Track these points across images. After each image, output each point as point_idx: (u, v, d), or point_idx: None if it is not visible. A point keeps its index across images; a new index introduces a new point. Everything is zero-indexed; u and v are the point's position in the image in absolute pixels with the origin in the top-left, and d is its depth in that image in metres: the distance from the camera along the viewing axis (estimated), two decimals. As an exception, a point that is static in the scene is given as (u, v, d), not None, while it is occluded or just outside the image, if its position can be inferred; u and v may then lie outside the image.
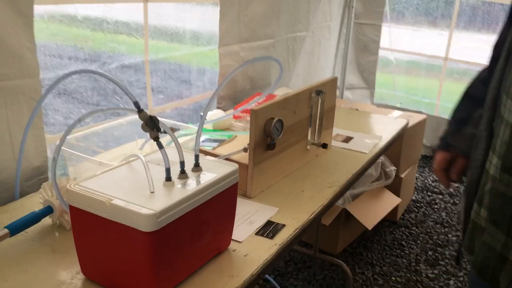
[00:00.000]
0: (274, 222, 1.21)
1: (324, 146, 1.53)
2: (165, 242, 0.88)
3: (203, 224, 0.98)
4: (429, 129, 3.04)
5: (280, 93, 2.54)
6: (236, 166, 1.05)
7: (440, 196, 2.81)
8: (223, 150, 1.59)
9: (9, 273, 0.98)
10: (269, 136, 1.32)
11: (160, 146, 0.93)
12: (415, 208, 2.66)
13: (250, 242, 1.13)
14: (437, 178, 3.05)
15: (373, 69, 3.53)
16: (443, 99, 3.44)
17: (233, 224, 1.10)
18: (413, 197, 2.75)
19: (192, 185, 0.94)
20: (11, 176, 1.35)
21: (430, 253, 2.24)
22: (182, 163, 0.97)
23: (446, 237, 2.39)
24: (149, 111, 1.96)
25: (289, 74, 2.90)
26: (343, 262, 2.02)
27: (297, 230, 1.19)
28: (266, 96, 2.21)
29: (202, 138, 1.68)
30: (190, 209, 0.92)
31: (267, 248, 1.11)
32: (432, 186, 2.95)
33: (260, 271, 1.04)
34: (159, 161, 1.05)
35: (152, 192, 0.90)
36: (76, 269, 1.00)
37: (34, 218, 1.09)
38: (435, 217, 2.57)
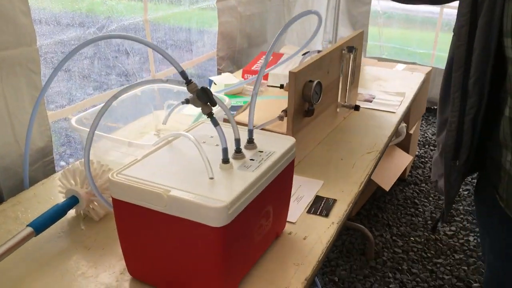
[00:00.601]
0: (323, 197, 1.10)
1: (357, 108, 1.41)
2: (235, 236, 0.76)
3: (267, 209, 0.86)
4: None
5: (283, 51, 2.38)
6: (293, 140, 0.92)
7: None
8: (245, 118, 1.45)
9: (41, 279, 0.84)
10: (308, 101, 1.19)
11: (216, 123, 0.79)
12: (421, 164, 2.61)
13: (304, 222, 1.01)
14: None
15: (365, 20, 3.39)
16: (439, 49, 3.35)
17: (289, 204, 0.97)
18: (417, 153, 2.69)
19: (253, 166, 0.81)
20: (14, 161, 1.18)
21: (435, 191, 2.20)
22: (237, 141, 0.83)
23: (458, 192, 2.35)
24: (152, 77, 1.78)
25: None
26: (359, 225, 1.95)
27: (351, 204, 1.08)
28: (272, 55, 2.06)
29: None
30: (256, 195, 0.79)
31: (325, 228, 0.99)
32: (433, 140, 2.89)
33: (325, 255, 0.93)
34: (202, 138, 0.91)
35: (212, 178, 0.77)
36: (119, 269, 0.87)
37: (59, 212, 0.94)
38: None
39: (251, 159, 0.83)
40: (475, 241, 1.99)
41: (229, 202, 0.71)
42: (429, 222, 2.11)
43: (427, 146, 2.81)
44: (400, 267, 1.83)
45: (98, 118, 0.80)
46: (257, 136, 0.90)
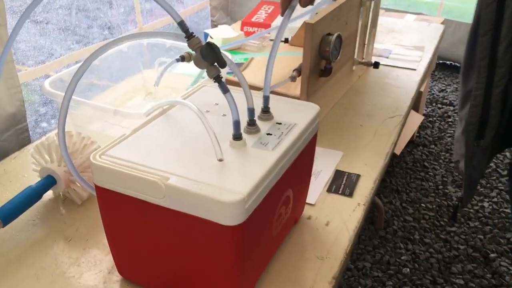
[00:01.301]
0: (344, 172, 0.94)
1: (376, 65, 1.23)
2: (252, 233, 0.60)
3: (287, 195, 0.70)
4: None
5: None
6: (317, 108, 0.75)
7: (451, 108, 2.61)
8: (246, 77, 1.27)
9: (10, 281, 0.69)
10: (325, 59, 1.01)
11: (225, 89, 0.61)
12: (429, 124, 2.46)
13: (325, 204, 0.86)
14: (443, 88, 2.84)
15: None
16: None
17: (309, 184, 0.82)
18: (424, 111, 2.54)
19: (271, 143, 0.65)
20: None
21: (455, 173, 2.07)
22: (251, 111, 0.67)
23: (468, 154, 2.21)
24: (138, 30, 1.58)
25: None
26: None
27: (377, 180, 0.93)
28: (273, 4, 1.85)
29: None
30: (276, 180, 0.63)
31: (350, 211, 0.84)
32: (441, 97, 2.73)
33: (352, 246, 0.79)
34: (204, 107, 0.74)
35: (221, 160, 0.60)
36: (106, 266, 0.72)
37: (32, 197, 0.77)
38: (452, 131, 2.37)
39: (268, 134, 0.67)
40: (490, 207, 1.87)
41: (246, 193, 0.55)
42: (440, 187, 1.98)
43: (434, 104, 2.66)
44: (411, 237, 1.71)
45: (74, 82, 0.62)
46: (272, 103, 0.72)
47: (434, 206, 1.88)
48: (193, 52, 0.96)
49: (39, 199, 0.79)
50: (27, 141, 1.11)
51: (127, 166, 0.59)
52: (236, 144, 0.64)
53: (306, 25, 0.94)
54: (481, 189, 1.98)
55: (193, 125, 0.68)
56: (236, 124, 0.63)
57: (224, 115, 0.72)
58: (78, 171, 0.79)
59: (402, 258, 1.63)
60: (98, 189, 0.62)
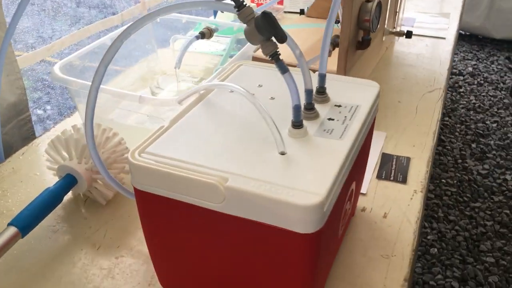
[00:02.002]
0: (392, 156, 0.85)
1: (409, 34, 1.13)
2: (327, 238, 0.51)
3: (352, 188, 0.61)
4: None
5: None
6: (377, 86, 0.65)
7: (461, 78, 2.52)
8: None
9: (38, 302, 0.60)
10: (364, 29, 0.91)
11: (284, 68, 0.51)
12: (440, 95, 2.37)
13: (377, 193, 0.77)
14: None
15: None
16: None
17: (365, 172, 0.73)
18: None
19: (337, 130, 0.55)
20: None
21: (473, 145, 1.99)
22: (309, 93, 0.57)
23: (485, 124, 2.14)
24: (142, 5, 1.45)
25: None
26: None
27: (429, 163, 0.84)
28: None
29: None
30: (348, 174, 0.53)
31: (408, 200, 0.76)
32: (456, 65, 2.64)
33: (418, 239, 0.70)
34: (250, 90, 0.63)
35: (283, 154, 0.51)
36: (145, 278, 0.62)
37: (51, 200, 0.67)
38: (464, 102, 2.30)
39: (329, 119, 0.57)
40: (513, 180, 1.81)
41: (324, 195, 0.45)
42: (459, 161, 1.91)
43: (443, 74, 2.57)
44: (435, 215, 1.64)
45: (103, 67, 0.51)
46: (326, 82, 0.63)
47: (455, 182, 1.81)
48: (214, 27, 0.85)
49: (60, 202, 0.69)
50: (30, 133, 1.00)
51: (175, 165, 0.49)
52: (297, 133, 0.54)
53: (345, -9, 0.83)
54: (502, 161, 1.91)
55: (240, 112, 0.58)
56: (297, 109, 0.53)
57: (272, 98, 0.62)
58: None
59: (428, 237, 1.56)
60: (139, 193, 0.52)
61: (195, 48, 0.99)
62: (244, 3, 0.51)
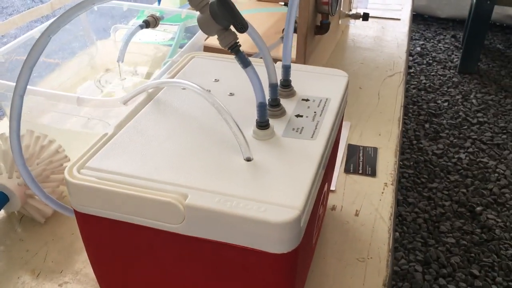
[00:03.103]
0: (358, 146, 0.80)
1: (365, 16, 1.08)
2: (304, 253, 0.45)
3: (324, 190, 0.55)
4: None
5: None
6: (345, 75, 0.59)
7: (411, 58, 2.53)
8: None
9: None
10: (323, 13, 0.85)
11: (246, 62, 0.44)
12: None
13: (347, 189, 0.72)
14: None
15: None
16: None
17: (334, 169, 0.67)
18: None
19: (307, 128, 0.49)
20: None
21: (426, 125, 2.00)
22: (274, 88, 0.50)
23: (436, 104, 2.15)
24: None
25: None
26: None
27: (397, 152, 0.80)
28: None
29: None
30: (322, 178, 0.47)
31: (379, 194, 0.71)
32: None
33: (393, 237, 0.65)
34: (205, 85, 0.56)
35: (249, 160, 0.44)
36: (95, 307, 0.54)
37: (-22, 224, 0.58)
38: (415, 83, 2.30)
39: (297, 116, 0.51)
40: (467, 158, 1.82)
41: (301, 207, 0.39)
42: (414, 141, 1.90)
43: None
44: (395, 198, 1.63)
45: (27, 69, 0.42)
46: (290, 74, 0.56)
47: (412, 163, 1.80)
48: (160, 15, 0.79)
49: (-11, 225, 0.59)
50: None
51: (123, 182, 0.41)
52: (263, 135, 0.47)
53: (301, -28, 0.76)
54: (455, 140, 1.92)
55: (196, 112, 0.51)
56: (262, 107, 0.46)
57: (231, 94, 0.55)
58: (39, 182, 0.60)
59: (390, 222, 1.55)
60: (80, 216, 0.44)
61: (139, 38, 0.90)
62: (196, -15, 0.43)
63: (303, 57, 0.83)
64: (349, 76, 0.80)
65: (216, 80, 0.58)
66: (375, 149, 0.80)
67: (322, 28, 0.86)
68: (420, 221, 1.55)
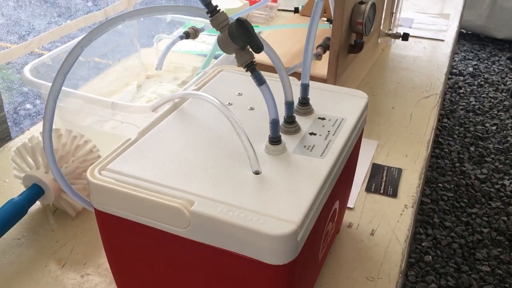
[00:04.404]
0: (382, 166, 0.81)
1: (405, 37, 1.09)
2: (303, 267, 0.47)
3: (335, 207, 0.56)
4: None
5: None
6: (365, 96, 0.61)
7: (461, 78, 2.47)
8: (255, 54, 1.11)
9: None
10: (357, 32, 0.86)
11: (261, 80, 0.47)
12: (439, 96, 2.32)
13: (365, 207, 0.73)
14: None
15: None
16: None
17: (351, 187, 0.68)
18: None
19: (318, 146, 0.51)
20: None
21: (472, 148, 1.95)
22: (290, 105, 0.52)
23: (484, 127, 2.09)
24: (127, 2, 1.40)
25: None
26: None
27: (422, 175, 0.80)
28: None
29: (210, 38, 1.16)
30: (328, 195, 0.49)
31: (397, 215, 0.71)
32: (456, 65, 2.59)
33: (406, 259, 0.66)
34: (226, 98, 0.59)
35: (258, 173, 0.46)
36: (111, 299, 0.58)
37: (15, 213, 0.63)
38: (464, 104, 2.25)
39: (311, 134, 0.53)
40: (511, 185, 1.76)
41: (299, 222, 0.41)
42: (457, 164, 1.86)
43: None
44: (431, 221, 1.60)
45: (61, 76, 0.47)
46: (310, 92, 0.58)
47: (452, 186, 1.76)
48: (200, 27, 0.81)
49: (25, 214, 0.65)
50: (5, 134, 0.96)
51: (137, 185, 0.45)
52: (274, 150, 0.50)
53: (336, -8, 0.78)
54: (500, 166, 1.86)
55: (215, 124, 0.54)
56: (275, 124, 0.49)
57: (251, 108, 0.58)
58: (71, 179, 0.65)
59: (423, 244, 1.52)
60: (99, 214, 0.48)
61: (180, 48, 0.95)
62: (218, 9, 0.46)
63: (334, 75, 0.84)
64: (384, 95, 0.80)
65: (239, 94, 0.60)
66: (399, 170, 0.80)
67: (355, 47, 0.87)
68: (455, 246, 1.52)
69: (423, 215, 1.63)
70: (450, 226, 1.59)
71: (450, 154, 1.93)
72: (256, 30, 1.27)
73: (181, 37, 0.87)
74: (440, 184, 1.77)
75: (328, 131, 0.53)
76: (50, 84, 0.71)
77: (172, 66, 0.93)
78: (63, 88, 0.71)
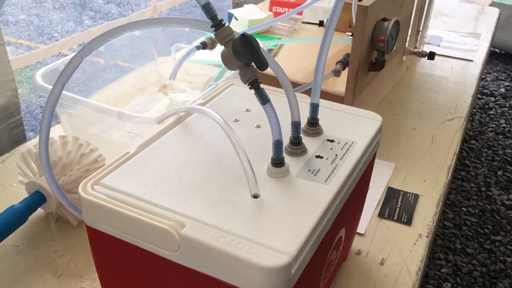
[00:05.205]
0: (398, 191, 0.77)
1: (431, 56, 1.05)
2: (297, 302, 0.44)
3: (340, 235, 0.53)
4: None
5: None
6: (379, 119, 0.58)
7: (492, 99, 2.40)
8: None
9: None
10: (378, 50, 0.83)
11: (265, 99, 0.44)
12: (469, 116, 2.25)
13: (377, 234, 0.69)
14: (483, 77, 2.62)
15: None
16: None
17: (362, 212, 0.65)
18: (462, 102, 2.33)
19: (324, 171, 0.48)
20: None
21: (499, 173, 1.87)
22: (296, 126, 0.50)
23: (513, 151, 2.01)
24: (152, 8, 1.40)
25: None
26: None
27: (440, 202, 0.76)
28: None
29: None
30: (331, 224, 0.46)
31: (410, 245, 0.67)
32: (481, 86, 2.51)
33: (416, 292, 0.62)
34: (233, 113, 0.57)
35: (256, 197, 0.44)
36: (104, 316, 0.56)
37: (14, 219, 0.62)
38: (494, 126, 2.17)
39: (317, 156, 0.50)
40: (539, 214, 1.68)
41: (293, 254, 0.38)
42: (483, 188, 1.79)
43: (478, 94, 2.44)
44: (452, 246, 1.54)
45: (59, 86, 0.45)
46: (319, 111, 0.55)
47: (477, 211, 1.70)
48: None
49: (25, 222, 0.63)
50: (21, 137, 0.95)
51: (129, 203, 0.43)
52: (276, 172, 0.47)
53: (360, 8, 0.75)
54: (528, 193, 1.79)
55: (218, 141, 0.52)
56: (278, 145, 0.46)
57: (258, 126, 0.55)
58: (73, 188, 0.64)
59: (443, 271, 1.46)
60: (90, 230, 0.46)
61: (197, 58, 0.93)
62: (223, 23, 0.44)
63: (353, 93, 0.81)
64: (405, 116, 0.76)
65: (247, 110, 0.58)
66: (416, 196, 0.76)
67: (376, 65, 0.84)
68: (476, 274, 1.45)
69: (444, 240, 1.57)
70: (472, 253, 1.52)
71: (476, 178, 1.86)
72: (278, 42, 1.25)
73: (198, 48, 0.86)
74: (464, 208, 1.71)
75: (336, 155, 0.50)
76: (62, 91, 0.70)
77: (188, 76, 0.91)
78: (72, 95, 0.70)
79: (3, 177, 0.77)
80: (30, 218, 0.68)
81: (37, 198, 0.64)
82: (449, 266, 1.48)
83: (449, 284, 1.41)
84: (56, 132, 0.87)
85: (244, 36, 0.43)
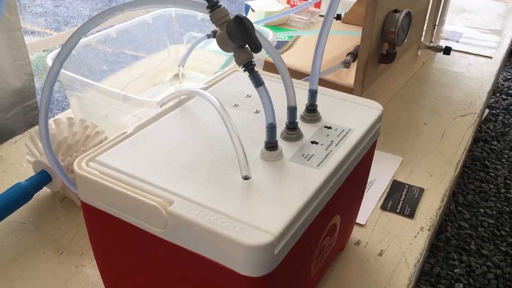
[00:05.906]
0: (403, 184, 0.76)
1: (447, 51, 1.03)
2: (284, 282, 0.44)
3: (334, 222, 0.53)
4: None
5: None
6: (379, 107, 0.57)
7: (517, 100, 2.34)
8: (290, 59, 1.09)
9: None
10: (389, 42, 0.82)
11: (259, 82, 0.45)
12: (491, 116, 2.21)
13: (378, 225, 0.69)
14: (508, 77, 2.56)
15: None
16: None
17: (361, 202, 0.65)
18: (486, 102, 2.29)
19: (317, 156, 0.48)
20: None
21: (520, 175, 1.84)
22: (292, 111, 0.50)
23: (535, 154, 1.97)
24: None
25: None
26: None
27: (445, 197, 0.75)
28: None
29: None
30: (321, 208, 0.46)
31: (411, 238, 0.67)
32: (506, 87, 2.46)
33: (414, 285, 0.61)
34: (233, 99, 0.57)
35: (247, 179, 0.44)
36: (100, 293, 0.57)
37: (19, 196, 0.63)
38: (517, 127, 2.13)
39: (313, 142, 0.50)
40: (560, 218, 1.64)
41: (277, 234, 0.38)
42: (502, 190, 1.75)
43: (498, 95, 2.39)
44: (467, 247, 1.51)
45: (58, 63, 0.46)
46: (320, 98, 0.55)
47: (494, 213, 1.66)
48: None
49: (30, 199, 0.65)
50: (35, 120, 0.98)
51: (120, 179, 0.44)
52: (269, 156, 0.47)
53: (368, -2, 0.75)
54: (550, 196, 1.74)
55: (215, 124, 0.52)
56: (271, 129, 0.46)
57: (257, 111, 0.55)
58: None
59: (455, 271, 1.44)
60: (84, 205, 0.47)
61: (209, 47, 0.94)
62: (219, 4, 0.45)
63: (361, 85, 0.81)
64: (418, 110, 0.75)
65: (248, 96, 0.58)
66: (421, 190, 0.75)
67: (387, 58, 0.83)
68: (490, 276, 1.43)
69: (459, 240, 1.55)
70: (487, 255, 1.49)
71: (496, 179, 1.82)
72: (294, 34, 1.25)
73: (209, 36, 0.87)
74: (481, 210, 1.67)
75: (331, 141, 0.50)
76: (70, 73, 0.72)
77: (198, 65, 0.92)
78: (81, 78, 0.72)
79: (14, 157, 0.79)
80: (37, 197, 0.70)
81: (42, 177, 0.65)
82: (462, 267, 1.45)
83: (461, 285, 1.39)
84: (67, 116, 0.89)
85: (237, 17, 0.43)
